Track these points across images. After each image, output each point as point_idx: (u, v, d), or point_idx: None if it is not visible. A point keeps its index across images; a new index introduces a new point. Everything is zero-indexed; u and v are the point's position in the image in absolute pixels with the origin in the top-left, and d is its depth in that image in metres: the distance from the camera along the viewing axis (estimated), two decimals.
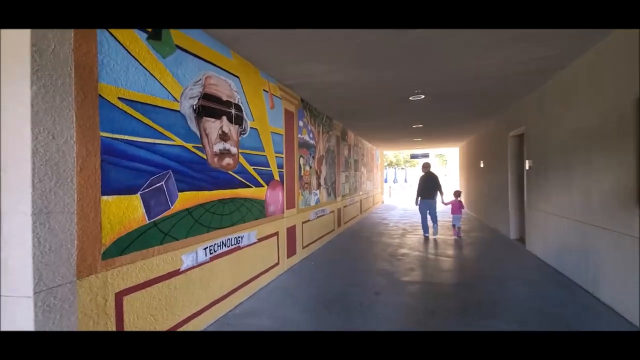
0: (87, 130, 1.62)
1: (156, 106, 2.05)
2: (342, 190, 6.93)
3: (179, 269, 2.23)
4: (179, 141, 2.24)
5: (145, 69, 1.98)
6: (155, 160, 2.04)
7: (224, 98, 2.76)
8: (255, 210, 3.26)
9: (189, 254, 2.32)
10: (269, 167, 3.55)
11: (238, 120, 2.96)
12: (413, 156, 15.94)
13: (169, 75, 2.16)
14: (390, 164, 27.58)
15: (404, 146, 12.71)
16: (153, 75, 2.03)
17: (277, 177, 3.74)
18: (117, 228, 1.78)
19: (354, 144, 8.35)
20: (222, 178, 2.71)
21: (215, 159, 2.63)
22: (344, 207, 7.07)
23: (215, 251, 2.61)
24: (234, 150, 2.88)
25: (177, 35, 2.25)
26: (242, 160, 3.02)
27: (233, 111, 2.87)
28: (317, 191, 5.24)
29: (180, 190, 2.25)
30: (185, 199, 2.29)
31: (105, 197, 1.71)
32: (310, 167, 4.94)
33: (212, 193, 2.58)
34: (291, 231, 4.14)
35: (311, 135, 4.99)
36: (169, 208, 2.15)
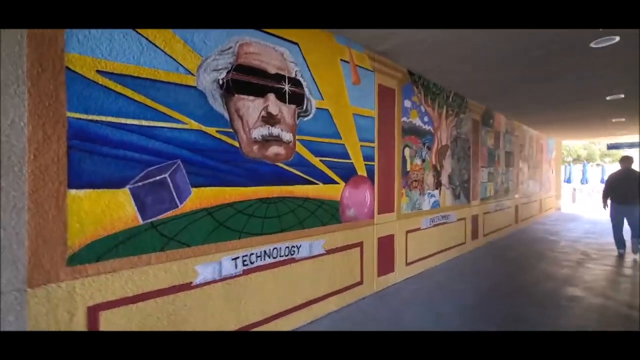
0: (45, 110, 1.35)
1: (157, 80, 1.66)
2: (481, 191, 5.27)
3: (191, 283, 1.81)
4: (194, 124, 1.80)
5: (141, 35, 1.61)
6: (154, 147, 1.65)
7: (272, 70, 2.17)
8: (323, 214, 2.56)
9: (207, 264, 1.87)
10: (348, 159, 2.77)
11: (295, 99, 2.32)
12: (611, 146, 11.06)
13: (179, 42, 1.74)
14: (577, 159, 20.99)
15: (595, 132, 8.98)
16: (153, 43, 1.65)
17: (361, 172, 2.90)
18: (92, 229, 1.47)
19: (505, 130, 6.31)
20: (265, 171, 2.15)
21: (255, 148, 2.09)
22: (485, 213, 5.37)
23: (252, 262, 2.08)
24: (287, 136, 2.27)
25: None
26: (301, 149, 2.37)
27: (287, 87, 2.26)
28: (436, 192, 4.02)
29: (196, 186, 1.81)
30: (204, 196, 1.85)
31: (73, 191, 1.42)
32: (424, 160, 3.79)
33: (247, 190, 2.05)
34: (386, 242, 3.21)
35: (426, 119, 3.82)
36: (177, 207, 1.74)
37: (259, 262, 2.13)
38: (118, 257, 1.55)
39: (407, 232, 3.52)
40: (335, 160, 2.65)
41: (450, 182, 4.33)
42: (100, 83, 1.49)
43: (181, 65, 1.75)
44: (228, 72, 1.94)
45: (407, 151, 3.50)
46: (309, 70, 2.43)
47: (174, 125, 1.73)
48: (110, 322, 1.53)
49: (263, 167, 2.14)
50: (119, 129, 1.54)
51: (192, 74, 1.80)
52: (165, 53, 1.69)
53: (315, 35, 2.47)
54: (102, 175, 1.50)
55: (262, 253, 2.15)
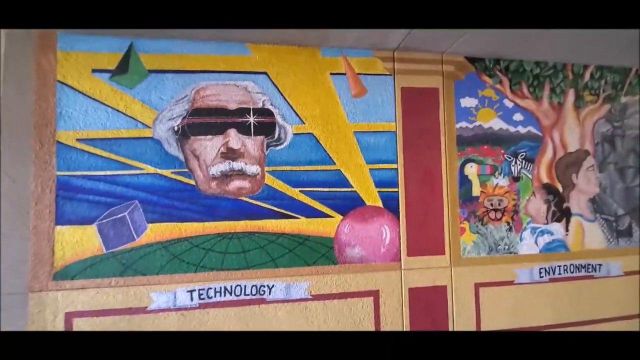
0: (43, 172, 2.00)
1: (120, 138, 2.09)
2: None
3: (146, 307, 2.05)
4: (150, 169, 2.10)
5: (108, 106, 2.09)
6: (116, 191, 2.06)
7: (232, 107, 2.20)
8: (308, 252, 2.23)
9: (162, 293, 2.07)
10: (347, 187, 2.31)
11: (263, 129, 2.23)
12: None
13: (138, 104, 2.12)
14: None
15: None
16: (117, 110, 2.09)
17: (373, 202, 2.33)
18: (69, 254, 2.00)
19: None
20: (226, 206, 2.16)
21: (214, 184, 2.16)
22: None
23: (209, 297, 2.11)
24: (252, 169, 2.20)
25: (151, 59, 2.15)
26: (273, 181, 2.22)
27: (252, 119, 2.21)
28: (555, 226, 2.55)
29: (152, 222, 2.09)
30: (159, 231, 2.09)
31: (59, 227, 2.00)
32: (518, 177, 2.53)
33: (205, 225, 2.13)
34: (429, 296, 2.35)
35: (519, 118, 2.56)
36: (134, 240, 2.06)
37: (218, 298, 2.12)
38: (86, 278, 2.01)
39: (479, 285, 2.42)
40: (326, 190, 2.28)
41: (597, 209, 2.64)
42: (78, 147, 2.05)
43: (139, 121, 2.11)
44: (183, 118, 2.15)
45: (471, 168, 2.48)
46: (283, 96, 2.27)
47: (133, 172, 2.09)
48: (80, 327, 2.00)
49: (224, 203, 2.17)
50: (89, 180, 2.05)
51: (149, 127, 2.12)
52: (126, 115, 2.11)
53: (292, 56, 2.29)
54: (78, 215, 2.02)
55: (222, 289, 2.13)
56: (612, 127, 2.72)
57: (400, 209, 2.36)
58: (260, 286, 2.17)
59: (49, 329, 1.95)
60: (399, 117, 2.40)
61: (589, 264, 2.58)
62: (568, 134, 2.63)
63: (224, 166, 2.17)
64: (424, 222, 2.38)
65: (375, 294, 2.30)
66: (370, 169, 2.34)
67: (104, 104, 2.08)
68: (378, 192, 2.35)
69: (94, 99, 2.07)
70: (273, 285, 2.18)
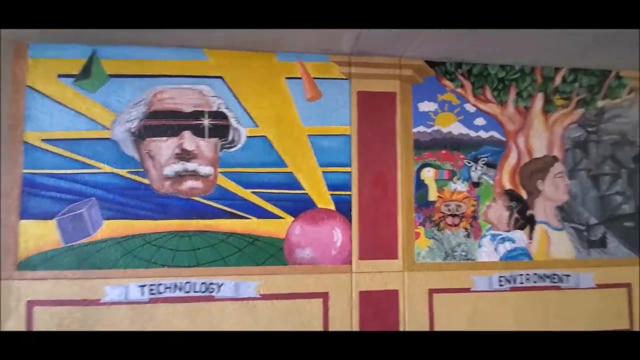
0: (12, 169, 2.16)
1: (81, 139, 2.22)
2: None
3: (99, 300, 2.17)
4: (107, 168, 2.23)
5: (71, 109, 2.23)
6: (77, 189, 2.20)
7: (188, 109, 2.29)
8: (257, 252, 2.29)
9: (115, 286, 2.18)
10: (299, 189, 2.34)
11: (217, 132, 2.30)
12: None
13: (99, 107, 2.24)
14: None
15: None
16: (79, 112, 2.23)
17: (324, 205, 2.35)
18: (32, 247, 2.15)
19: None
20: (178, 205, 2.25)
21: (167, 183, 2.25)
22: None
23: (159, 292, 2.21)
24: (205, 170, 2.28)
25: (112, 64, 2.27)
26: (225, 182, 2.29)
27: (206, 122, 2.30)
28: (517, 233, 2.47)
29: (108, 218, 2.20)
30: (114, 228, 2.20)
31: (23, 221, 2.15)
32: (478, 183, 2.47)
33: (158, 223, 2.23)
34: (380, 300, 2.34)
35: (481, 122, 2.50)
36: (90, 235, 2.19)
37: (168, 294, 2.21)
38: (46, 269, 2.15)
39: (433, 291, 2.39)
40: (278, 191, 2.33)
41: (566, 218, 2.53)
42: (43, 147, 2.20)
43: (99, 123, 2.24)
44: (140, 121, 2.26)
45: (428, 173, 2.45)
46: (237, 100, 2.34)
47: (92, 170, 2.22)
48: (40, 315, 2.14)
49: (176, 202, 2.26)
50: (52, 177, 2.19)
51: (108, 129, 2.25)
52: (87, 117, 2.24)
53: (246, 61, 2.36)
54: (40, 210, 2.17)
55: (172, 285, 2.22)
56: (585, 132, 2.61)
57: (352, 212, 2.37)
58: (210, 284, 2.24)
59: (13, 315, 2.11)
60: (354, 120, 2.41)
61: (554, 274, 2.48)
62: (534, 139, 2.54)
63: (178, 167, 2.26)
64: (377, 226, 2.38)
65: (324, 296, 2.32)
66: (323, 171, 2.37)
67: (67, 106, 2.23)
68: (330, 194, 2.37)
69: (59, 102, 2.22)
70: (222, 284, 2.25)
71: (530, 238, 2.49)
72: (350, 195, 2.37)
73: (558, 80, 2.60)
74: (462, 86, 2.51)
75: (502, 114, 2.53)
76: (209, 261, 2.25)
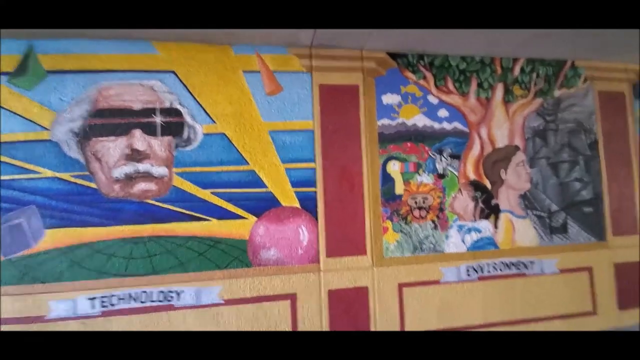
0: None
1: (16, 141, 2.02)
2: None
3: (44, 316, 1.98)
4: (48, 172, 2.03)
5: (5, 109, 2.02)
6: (12, 196, 2.00)
7: (137, 107, 2.14)
8: (220, 255, 2.17)
9: (61, 301, 2.00)
10: (261, 187, 2.24)
11: (171, 130, 2.16)
12: None
13: (37, 106, 2.05)
14: None
15: None
16: (15, 112, 2.03)
17: (289, 202, 2.26)
18: None
19: None
20: (131, 210, 2.10)
21: (117, 187, 2.09)
22: None
23: (112, 305, 2.04)
24: (159, 171, 2.13)
25: (51, 59, 2.08)
26: (182, 182, 2.16)
27: (158, 119, 2.15)
28: (483, 223, 2.49)
29: (50, 227, 2.01)
30: (58, 237, 2.02)
31: None
32: (443, 175, 2.47)
33: (108, 230, 2.06)
34: (349, 298, 2.28)
35: (444, 114, 2.50)
36: (31, 246, 1.99)
37: (123, 305, 2.05)
38: None
39: (403, 285, 2.36)
40: (239, 190, 2.22)
41: (529, 205, 2.58)
42: None
43: (37, 124, 2.05)
44: (84, 120, 2.08)
45: (394, 166, 2.42)
46: (192, 95, 2.21)
47: (30, 175, 2.02)
48: None
49: (128, 206, 2.10)
50: None
51: (48, 129, 2.06)
52: (24, 117, 2.04)
53: (199, 55, 2.23)
54: None
55: (127, 296, 2.06)
56: (544, 121, 2.67)
57: (318, 209, 2.29)
58: (168, 292, 2.10)
59: None
60: (317, 115, 2.34)
61: (520, 262, 2.52)
62: (496, 129, 2.57)
63: (128, 168, 2.10)
64: (344, 222, 2.32)
65: (292, 297, 2.23)
66: (286, 168, 2.28)
67: (1, 107, 2.02)
68: (295, 192, 2.28)
69: None
70: (182, 291, 2.11)
71: (496, 227, 2.51)
72: (315, 191, 2.30)
73: (517, 70, 2.64)
74: (424, 78, 2.50)
75: (464, 105, 2.54)
76: (167, 268, 2.11)
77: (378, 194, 2.38)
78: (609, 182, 2.74)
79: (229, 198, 2.20)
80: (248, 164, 2.24)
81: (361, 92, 2.41)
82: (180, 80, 2.20)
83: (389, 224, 2.38)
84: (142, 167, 2.11)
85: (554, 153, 2.66)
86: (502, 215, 2.53)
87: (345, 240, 2.31)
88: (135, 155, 2.11)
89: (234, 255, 2.18)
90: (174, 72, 2.20)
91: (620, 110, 2.83)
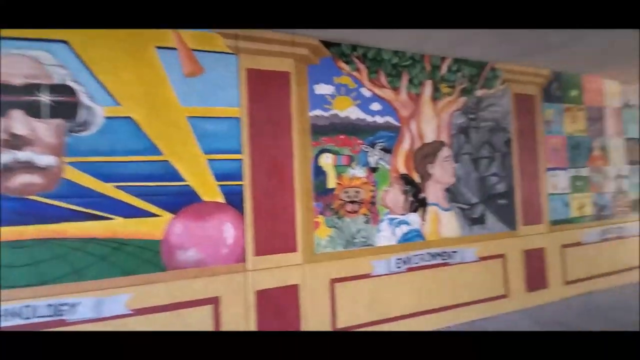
0: None
1: None
2: (557, 209, 3.16)
3: None
4: None
5: None
6: None
7: (17, 82, 1.74)
8: (127, 259, 1.88)
9: None
10: (178, 180, 2.00)
11: (62, 111, 1.80)
12: None
13: None
14: None
15: None
16: None
17: (211, 197, 2.05)
18: None
19: (625, 103, 3.71)
20: (9, 208, 1.70)
21: None
22: (566, 246, 3.18)
23: None
24: (45, 160, 1.76)
25: None
26: (76, 174, 1.81)
27: (46, 97, 1.77)
28: (412, 216, 2.55)
29: None
30: None
31: None
32: (375, 169, 2.47)
33: None
34: (279, 297, 2.16)
35: (376, 107, 2.50)
36: None
37: (2, 324, 1.67)
38: None
39: (334, 281, 2.31)
40: (151, 184, 1.94)
41: (453, 199, 2.71)
42: None
43: None
44: None
45: (327, 159, 2.34)
46: (90, 72, 1.86)
47: None
48: None
49: (6, 203, 1.70)
50: None
51: None
52: None
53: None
54: None
55: (5, 312, 1.68)
56: (467, 119, 2.81)
57: (245, 204, 2.12)
58: (59, 305, 1.76)
59: None
60: (244, 101, 2.15)
61: (444, 252, 2.64)
62: (425, 125, 2.64)
63: (6, 157, 1.70)
64: (273, 218, 2.18)
65: (215, 301, 2.03)
66: (208, 159, 2.06)
67: None
68: (219, 185, 2.08)
69: None
70: (78, 303, 1.79)
71: (423, 219, 2.58)
72: (241, 185, 2.12)
73: (444, 69, 2.73)
74: (357, 70, 2.45)
75: (396, 100, 2.55)
76: (57, 276, 1.76)
77: (310, 188, 2.28)
78: (520, 177, 3.00)
79: (137, 193, 1.92)
80: (162, 153, 1.97)
81: (293, 79, 2.27)
82: (75, 53, 1.84)
83: (321, 218, 2.30)
84: (23, 155, 1.73)
85: (475, 149, 2.83)
86: (429, 208, 2.62)
87: (275, 237, 2.18)
88: (14, 141, 1.71)
89: (144, 258, 1.91)
90: (66, 43, 1.83)
91: (531, 111, 3.11)
